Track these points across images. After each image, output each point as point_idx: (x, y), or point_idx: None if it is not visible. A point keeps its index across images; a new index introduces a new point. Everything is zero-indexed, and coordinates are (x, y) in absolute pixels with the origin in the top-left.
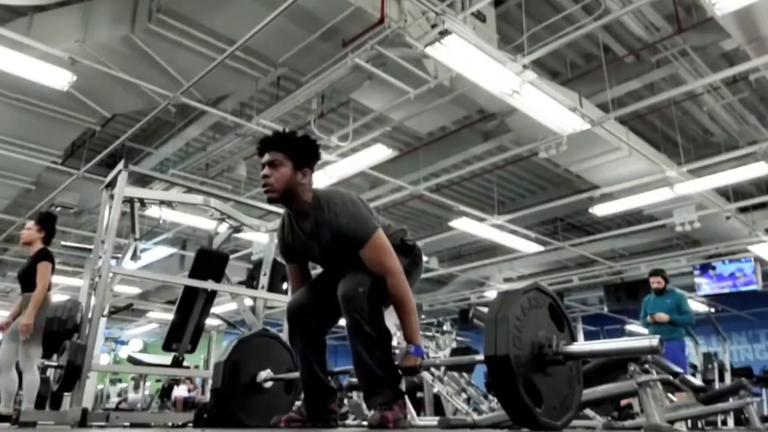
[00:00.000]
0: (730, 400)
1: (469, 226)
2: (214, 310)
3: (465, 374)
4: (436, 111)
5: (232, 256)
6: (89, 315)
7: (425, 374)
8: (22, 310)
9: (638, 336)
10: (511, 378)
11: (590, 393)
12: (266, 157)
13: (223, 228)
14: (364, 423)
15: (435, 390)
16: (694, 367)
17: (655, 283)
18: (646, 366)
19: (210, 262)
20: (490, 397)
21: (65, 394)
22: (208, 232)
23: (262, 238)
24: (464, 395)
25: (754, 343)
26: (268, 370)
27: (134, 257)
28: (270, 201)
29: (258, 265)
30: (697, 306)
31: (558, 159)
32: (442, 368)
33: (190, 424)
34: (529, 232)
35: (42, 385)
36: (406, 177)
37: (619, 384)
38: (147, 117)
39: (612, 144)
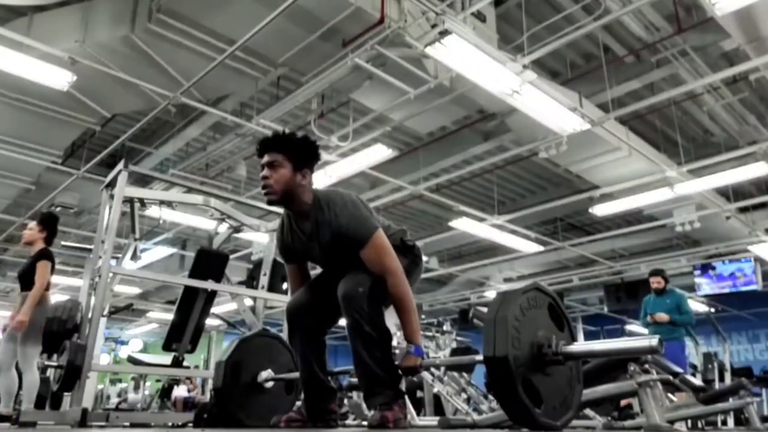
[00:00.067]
0: (730, 400)
1: (469, 226)
2: (214, 310)
3: (465, 374)
4: (436, 111)
5: (232, 256)
6: (89, 315)
7: (425, 374)
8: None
9: (638, 336)
10: (510, 379)
11: (590, 393)
12: (266, 158)
13: (223, 228)
14: (364, 423)
15: (435, 390)
16: (694, 367)
17: (655, 283)
18: (646, 366)
19: (210, 262)
20: (490, 397)
21: (65, 394)
22: (208, 232)
23: (262, 238)
24: (464, 395)
25: (754, 343)
26: (269, 370)
27: (134, 257)
28: (270, 203)
29: (258, 265)
30: (697, 306)
31: (558, 159)
32: (442, 368)
33: (190, 424)
34: (529, 232)
35: (42, 385)
36: (406, 177)
37: (619, 384)
38: (147, 117)
39: (612, 144)
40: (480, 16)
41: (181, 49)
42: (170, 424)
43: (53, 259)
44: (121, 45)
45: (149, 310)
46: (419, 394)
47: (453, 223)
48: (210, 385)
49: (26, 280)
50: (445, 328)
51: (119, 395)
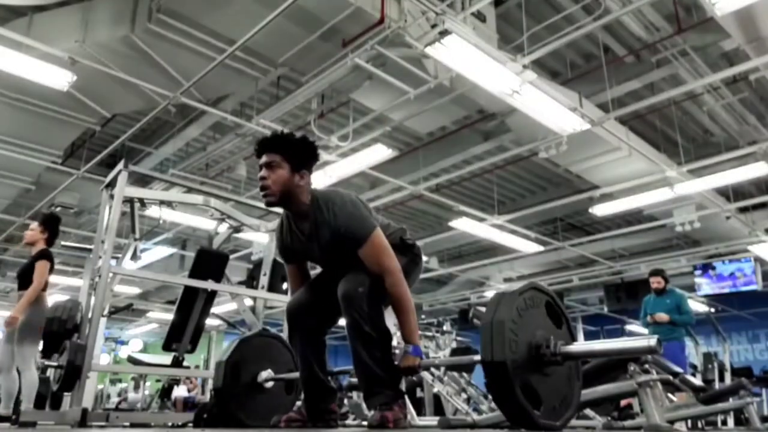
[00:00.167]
0: (730, 400)
1: (469, 226)
2: (214, 310)
3: (465, 374)
4: (436, 111)
5: (232, 256)
6: (89, 315)
7: (425, 374)
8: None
9: (637, 336)
10: (508, 383)
11: (590, 393)
12: (263, 159)
13: (223, 228)
14: (364, 423)
15: (435, 390)
16: (694, 367)
17: (655, 283)
18: (646, 366)
19: (210, 262)
20: (490, 397)
21: (65, 394)
22: (208, 232)
23: (262, 238)
24: (464, 395)
25: (754, 343)
26: (269, 370)
27: (134, 257)
28: (268, 204)
29: (258, 265)
30: (697, 306)
31: (558, 159)
32: (442, 368)
33: (190, 424)
34: (529, 232)
35: (42, 385)
36: (406, 177)
37: (619, 384)
38: (147, 117)
39: (612, 144)
40: (480, 16)
41: (181, 49)
42: (170, 424)
43: (53, 259)
44: (121, 45)
45: (149, 310)
46: (419, 394)
47: (453, 223)
48: (210, 385)
49: (24, 279)
50: (445, 328)
51: (119, 395)
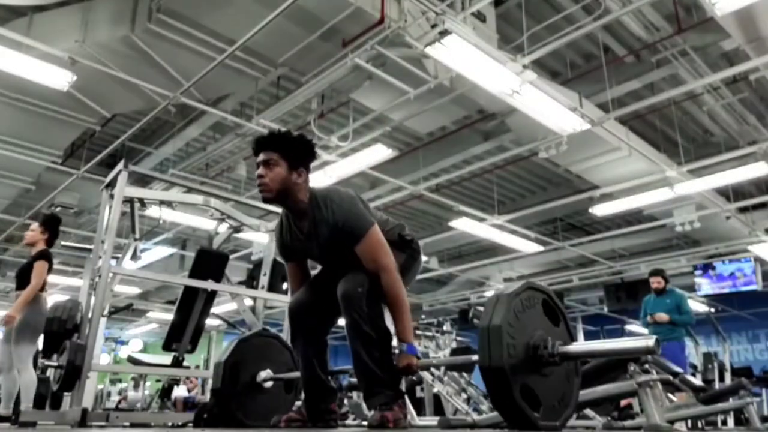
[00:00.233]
0: (730, 400)
1: (469, 226)
2: (214, 310)
3: (465, 374)
4: (436, 111)
5: (232, 256)
6: (89, 315)
7: (425, 374)
8: None
9: (635, 336)
10: (507, 387)
11: (590, 393)
12: (261, 157)
13: (223, 228)
14: (364, 423)
15: (435, 390)
16: (694, 367)
17: (655, 283)
18: (646, 366)
19: (210, 262)
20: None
21: (65, 394)
22: (208, 232)
23: (262, 238)
24: (464, 395)
25: (754, 343)
26: (268, 370)
27: (134, 257)
28: (265, 201)
29: (258, 265)
30: (697, 306)
31: (558, 159)
32: (442, 368)
33: (190, 424)
34: (529, 232)
35: (42, 385)
36: (406, 177)
37: (619, 384)
38: (147, 117)
39: (612, 144)
40: (480, 16)
41: (181, 49)
42: (170, 424)
43: (51, 260)
44: (121, 45)
45: (149, 310)
46: (419, 394)
47: (453, 223)
48: (210, 385)
49: (23, 279)
50: (445, 328)
51: (120, 393)
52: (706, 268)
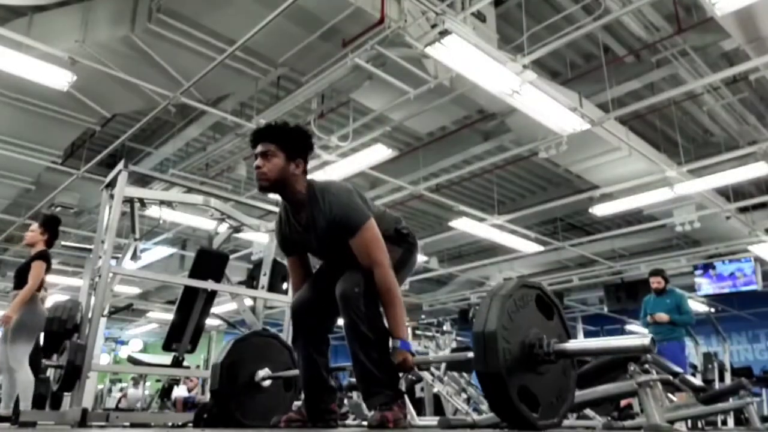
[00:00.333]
0: (730, 400)
1: (469, 226)
2: (214, 310)
3: (465, 374)
4: (436, 111)
5: (232, 256)
6: (89, 315)
7: (425, 374)
8: None
9: (631, 335)
10: (505, 391)
11: (590, 393)
12: (259, 149)
13: (223, 228)
14: (364, 423)
15: (435, 390)
16: (694, 367)
17: (655, 283)
18: (646, 366)
19: (210, 262)
20: None
21: (65, 394)
22: (208, 232)
23: (262, 238)
24: (464, 395)
25: (754, 343)
26: (266, 369)
27: (134, 257)
28: (261, 189)
29: (258, 265)
30: (697, 306)
31: (558, 159)
32: (442, 368)
33: (190, 424)
34: (529, 232)
35: (42, 385)
36: (406, 177)
37: (619, 384)
38: (147, 117)
39: (612, 144)
40: (480, 16)
41: (181, 49)
42: (170, 424)
43: (50, 260)
44: (121, 45)
45: (149, 310)
46: (419, 394)
47: (453, 223)
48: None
49: (21, 278)
50: (445, 328)
51: (120, 390)
52: (706, 268)
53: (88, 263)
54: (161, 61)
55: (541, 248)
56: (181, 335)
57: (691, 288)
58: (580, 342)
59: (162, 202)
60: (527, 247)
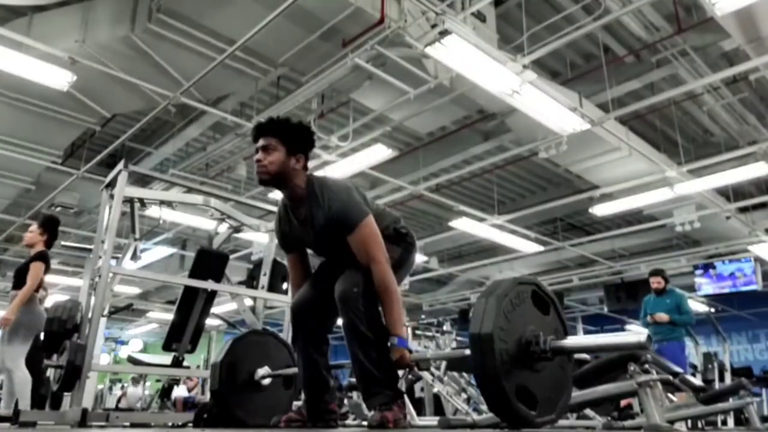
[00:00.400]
0: (730, 400)
1: (469, 226)
2: (214, 310)
3: (465, 374)
4: (436, 111)
5: (232, 256)
6: (89, 315)
7: (425, 374)
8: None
9: (627, 331)
10: (503, 392)
11: (590, 393)
12: (260, 142)
13: (223, 228)
14: (364, 423)
15: (435, 390)
16: (694, 367)
17: (655, 283)
18: (646, 366)
19: (210, 262)
20: None
21: (65, 394)
22: (208, 232)
23: (262, 238)
24: (464, 395)
25: (754, 343)
26: (266, 367)
27: (134, 257)
28: (261, 182)
29: (258, 265)
30: (697, 306)
31: (558, 159)
32: (442, 368)
33: (190, 424)
34: (529, 232)
35: (42, 385)
36: (406, 177)
37: (619, 384)
38: (147, 117)
39: (612, 144)
40: (480, 16)
41: (181, 49)
42: (170, 424)
43: (48, 261)
44: (121, 45)
45: (149, 310)
46: (419, 394)
47: (453, 223)
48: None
49: (20, 278)
50: (445, 328)
51: (121, 388)
52: (706, 268)
53: (88, 263)
54: (161, 61)
55: (541, 248)
56: (181, 335)
57: (691, 288)
58: (576, 339)
59: (162, 202)
60: (527, 247)
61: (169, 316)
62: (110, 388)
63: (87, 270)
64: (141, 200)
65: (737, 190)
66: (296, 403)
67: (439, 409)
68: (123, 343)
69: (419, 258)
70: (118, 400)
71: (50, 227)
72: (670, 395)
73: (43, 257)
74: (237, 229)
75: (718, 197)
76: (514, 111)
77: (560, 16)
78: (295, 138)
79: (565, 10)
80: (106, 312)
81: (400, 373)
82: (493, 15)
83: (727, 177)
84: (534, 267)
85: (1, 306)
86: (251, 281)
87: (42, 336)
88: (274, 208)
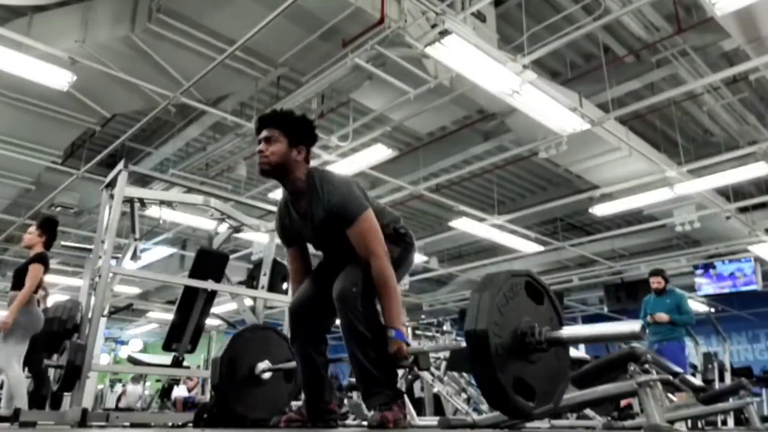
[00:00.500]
0: (730, 400)
1: (469, 226)
2: (214, 310)
3: (465, 374)
4: (436, 111)
5: (232, 256)
6: (89, 315)
7: (425, 374)
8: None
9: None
10: (500, 387)
11: (590, 393)
12: (263, 134)
13: (223, 228)
14: (364, 423)
15: (435, 390)
16: (694, 367)
17: (655, 283)
18: (646, 366)
19: (210, 262)
20: None
21: (65, 394)
22: (208, 232)
23: (262, 238)
24: (464, 395)
25: (754, 343)
26: (266, 362)
27: (134, 257)
28: (262, 173)
29: (258, 265)
30: (697, 306)
31: (558, 159)
32: (442, 368)
33: (190, 424)
34: (529, 232)
35: (42, 385)
36: (406, 177)
37: (619, 384)
38: (147, 117)
39: (612, 144)
40: (480, 16)
41: (181, 49)
42: (170, 424)
43: (47, 262)
44: (121, 45)
45: (149, 310)
46: (419, 394)
47: (453, 223)
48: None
49: (18, 279)
50: (445, 328)
51: (122, 386)
52: (706, 268)
53: (88, 263)
54: (161, 61)
55: (541, 248)
56: (181, 335)
57: (691, 288)
58: (571, 329)
59: (162, 202)
60: (527, 247)
61: (169, 316)
62: (111, 386)
63: (87, 270)
64: (141, 200)
65: (737, 190)
66: (296, 403)
67: (439, 409)
68: (123, 343)
69: (419, 258)
70: (118, 399)
71: (49, 228)
72: (670, 395)
73: (41, 259)
74: (237, 229)
75: (718, 197)
76: (514, 111)
77: (560, 16)
78: (298, 130)
79: (565, 10)
80: (106, 312)
81: (400, 372)
82: (493, 15)
83: (727, 177)
84: (534, 267)
85: (0, 306)
86: (251, 281)
87: (39, 336)
88: (274, 208)
